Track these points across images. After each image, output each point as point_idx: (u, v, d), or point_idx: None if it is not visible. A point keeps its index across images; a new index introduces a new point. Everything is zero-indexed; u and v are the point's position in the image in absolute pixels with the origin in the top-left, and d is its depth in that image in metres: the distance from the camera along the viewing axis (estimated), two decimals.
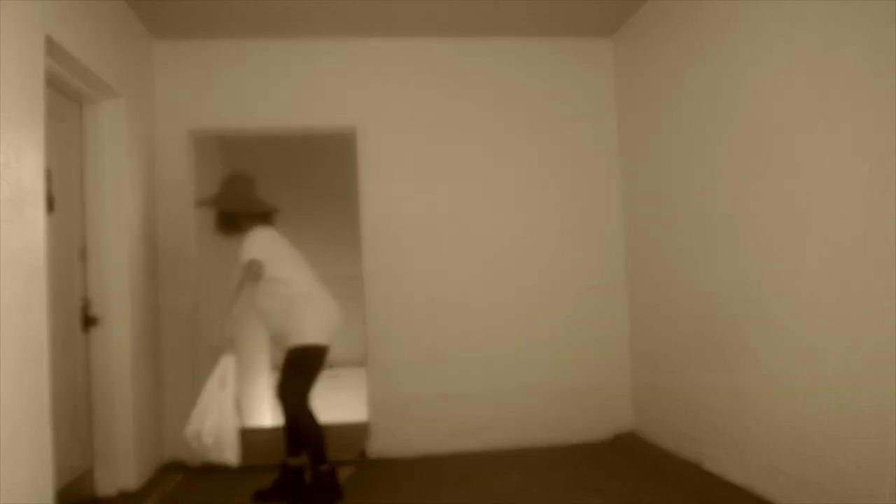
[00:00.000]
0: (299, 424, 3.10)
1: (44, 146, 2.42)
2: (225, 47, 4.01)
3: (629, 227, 4.19)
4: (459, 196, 4.14)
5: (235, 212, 3.22)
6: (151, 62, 3.93)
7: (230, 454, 2.85)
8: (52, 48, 2.55)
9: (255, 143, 5.65)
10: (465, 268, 4.10)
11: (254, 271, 2.99)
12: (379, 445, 3.97)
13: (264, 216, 3.26)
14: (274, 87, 4.04)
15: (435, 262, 4.09)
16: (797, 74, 2.59)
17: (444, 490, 3.34)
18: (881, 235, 2.19)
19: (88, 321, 3.23)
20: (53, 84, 2.83)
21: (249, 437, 4.85)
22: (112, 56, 3.25)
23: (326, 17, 3.78)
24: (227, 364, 2.94)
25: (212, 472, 3.78)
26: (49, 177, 2.65)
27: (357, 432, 4.24)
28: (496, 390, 4.07)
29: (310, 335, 3.08)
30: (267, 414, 8.57)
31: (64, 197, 3.01)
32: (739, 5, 2.94)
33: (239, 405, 2.96)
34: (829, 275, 2.45)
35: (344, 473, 3.68)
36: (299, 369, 3.10)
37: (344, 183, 5.30)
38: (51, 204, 2.73)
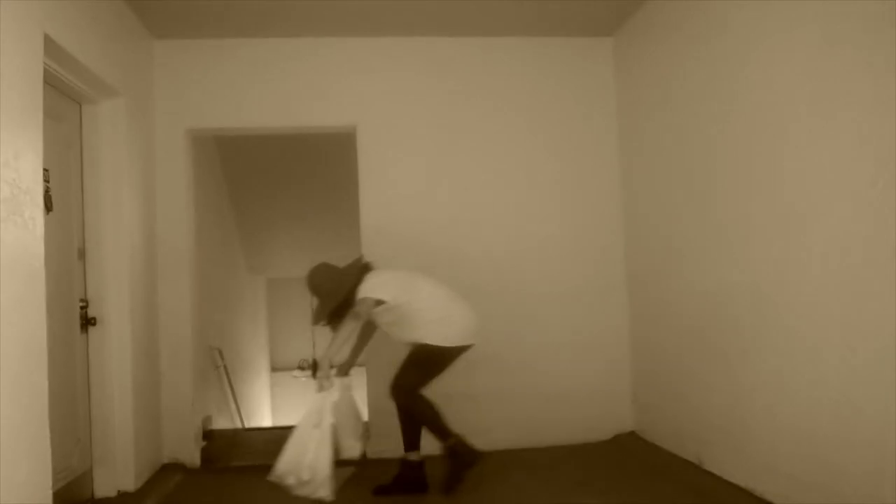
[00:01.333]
0: (413, 413, 3.15)
1: (42, 145, 2.41)
2: (224, 47, 4.00)
3: (629, 226, 4.18)
4: (459, 195, 4.13)
5: (339, 305, 3.18)
6: (151, 61, 3.92)
7: (324, 490, 2.85)
8: (51, 47, 2.54)
9: (255, 142, 5.65)
10: (465, 267, 4.08)
11: (358, 311, 3.06)
12: (379, 445, 3.96)
13: (361, 278, 3.19)
14: (274, 86, 4.03)
15: (435, 262, 4.07)
16: (797, 74, 2.58)
17: None
18: (882, 235, 2.19)
19: (87, 321, 3.22)
20: (52, 83, 2.82)
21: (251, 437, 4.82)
22: (111, 55, 3.24)
23: (326, 16, 3.77)
24: (323, 401, 2.96)
25: (210, 472, 3.78)
26: (47, 176, 2.65)
27: None
28: (496, 391, 4.06)
29: (433, 340, 3.14)
30: (266, 414, 8.58)
31: (63, 197, 2.99)
32: (739, 5, 2.93)
33: (336, 440, 3.01)
34: (829, 275, 2.45)
35: (344, 473, 3.67)
36: (416, 365, 3.18)
37: (344, 182, 5.30)
38: (49, 204, 2.72)
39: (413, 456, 3.27)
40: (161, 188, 3.91)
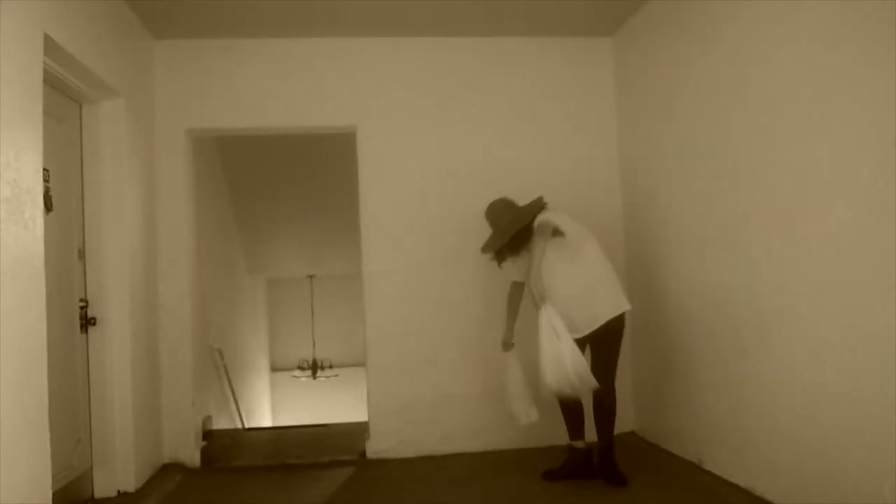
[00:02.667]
0: (608, 400, 3.20)
1: (42, 145, 2.41)
2: (225, 47, 4.00)
3: (629, 226, 4.18)
4: (459, 196, 4.12)
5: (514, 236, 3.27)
6: (151, 62, 3.92)
7: (594, 383, 3.01)
8: (51, 47, 2.54)
9: (255, 142, 5.65)
10: (465, 268, 4.09)
11: (545, 230, 3.14)
12: (379, 445, 3.97)
13: (536, 214, 3.27)
14: (274, 86, 4.03)
15: (435, 262, 4.08)
16: (797, 74, 2.59)
17: (444, 490, 3.33)
18: (881, 234, 2.19)
19: (87, 321, 3.22)
20: (53, 84, 2.83)
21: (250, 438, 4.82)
22: (111, 56, 3.24)
23: (326, 16, 3.78)
24: (548, 314, 3.04)
25: (210, 472, 3.79)
26: (46, 176, 2.65)
27: (357, 432, 4.24)
28: (495, 391, 4.05)
29: (604, 315, 3.18)
30: (267, 416, 8.58)
31: (63, 197, 3.00)
32: (739, 5, 2.93)
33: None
34: (829, 275, 2.45)
35: (344, 473, 3.68)
36: (616, 353, 3.25)
37: (344, 182, 5.30)
38: (49, 204, 2.72)
39: (580, 443, 3.34)
40: (161, 188, 3.91)
